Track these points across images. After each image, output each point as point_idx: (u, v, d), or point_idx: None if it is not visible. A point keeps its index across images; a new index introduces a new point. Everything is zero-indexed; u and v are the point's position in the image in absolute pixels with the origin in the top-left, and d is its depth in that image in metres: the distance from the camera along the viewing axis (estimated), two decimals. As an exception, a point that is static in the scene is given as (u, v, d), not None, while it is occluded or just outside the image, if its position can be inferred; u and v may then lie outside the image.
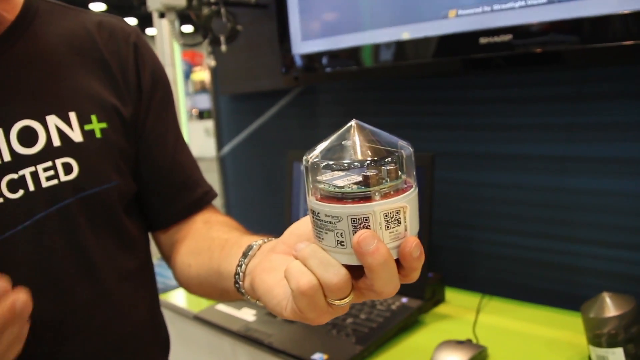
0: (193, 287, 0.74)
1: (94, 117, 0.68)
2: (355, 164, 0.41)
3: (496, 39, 0.99)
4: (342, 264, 0.42)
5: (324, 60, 1.28)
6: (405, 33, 1.12)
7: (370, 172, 0.40)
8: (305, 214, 1.32)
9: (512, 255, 1.11)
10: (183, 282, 0.76)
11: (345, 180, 0.41)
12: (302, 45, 1.32)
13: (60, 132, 0.66)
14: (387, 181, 0.41)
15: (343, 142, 0.43)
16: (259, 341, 0.96)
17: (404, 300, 1.03)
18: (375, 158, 0.41)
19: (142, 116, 0.74)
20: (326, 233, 0.42)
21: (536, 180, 1.07)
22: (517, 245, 1.10)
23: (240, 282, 0.58)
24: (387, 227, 0.41)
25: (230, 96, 1.71)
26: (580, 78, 1.00)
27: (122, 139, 0.71)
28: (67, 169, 0.65)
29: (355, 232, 0.40)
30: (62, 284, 0.66)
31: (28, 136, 0.64)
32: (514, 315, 1.02)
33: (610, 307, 0.79)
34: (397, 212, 0.41)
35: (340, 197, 0.40)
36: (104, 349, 0.70)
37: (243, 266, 0.58)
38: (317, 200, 0.42)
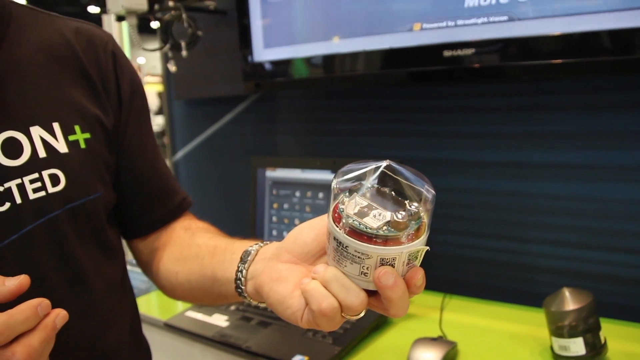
0: (180, 293, 0.74)
1: (77, 128, 0.67)
2: (390, 209, 0.44)
3: (459, 52, 1.05)
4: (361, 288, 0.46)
5: (287, 68, 1.30)
6: (368, 44, 1.16)
7: (401, 218, 0.43)
8: (270, 220, 1.32)
9: (472, 256, 1.18)
10: (168, 289, 0.76)
11: (374, 219, 0.44)
12: (264, 53, 1.33)
13: (45, 143, 0.64)
14: (413, 224, 0.44)
15: (374, 181, 0.45)
16: (236, 346, 0.97)
17: (373, 301, 1.07)
18: (407, 204, 0.44)
19: (123, 125, 0.74)
20: (351, 264, 0.45)
21: (493, 185, 1.14)
22: (476, 246, 1.17)
23: (242, 287, 0.59)
24: (407, 263, 0.45)
25: (185, 101, 1.70)
26: (534, 90, 1.08)
27: (104, 149, 0.71)
28: (54, 180, 0.64)
29: (377, 268, 0.44)
30: (52, 296, 0.64)
31: (12, 148, 0.62)
32: (476, 312, 1.09)
33: (570, 301, 0.87)
34: (418, 252, 0.45)
35: (370, 236, 0.43)
36: None
37: (244, 271, 0.59)
38: (346, 234, 0.44)
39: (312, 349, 0.93)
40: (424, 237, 0.45)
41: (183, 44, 1.33)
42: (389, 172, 0.45)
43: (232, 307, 1.11)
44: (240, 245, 0.63)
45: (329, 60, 1.22)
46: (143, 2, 1.23)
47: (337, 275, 0.46)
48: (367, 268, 0.44)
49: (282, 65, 1.30)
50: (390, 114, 1.28)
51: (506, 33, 0.99)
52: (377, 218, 0.44)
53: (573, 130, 1.05)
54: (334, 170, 1.18)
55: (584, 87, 1.03)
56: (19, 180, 0.61)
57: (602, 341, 0.85)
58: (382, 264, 0.44)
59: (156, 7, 1.27)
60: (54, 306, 0.64)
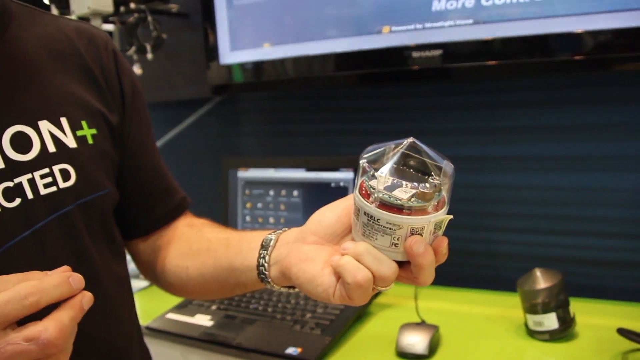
0: (190, 288, 0.75)
1: (84, 123, 0.67)
2: (415, 182, 0.47)
3: (427, 53, 1.11)
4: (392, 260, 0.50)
5: (255, 71, 1.32)
6: (338, 46, 1.21)
7: (428, 189, 0.47)
8: (244, 220, 1.34)
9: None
10: (177, 285, 0.76)
11: (402, 192, 0.47)
12: (231, 55, 1.35)
13: (55, 138, 0.64)
14: (437, 195, 0.48)
15: (398, 158, 0.49)
16: (225, 343, 0.98)
17: (353, 293, 1.11)
18: (434, 174, 0.48)
19: (127, 124, 0.74)
20: (382, 235, 0.48)
21: (459, 178, 1.19)
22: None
23: (266, 272, 0.61)
24: (433, 232, 0.49)
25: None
26: (496, 88, 1.16)
27: (110, 145, 0.71)
28: (65, 175, 0.64)
29: (408, 237, 0.48)
30: None
31: (22, 142, 0.61)
32: (449, 299, 1.15)
33: (541, 280, 0.94)
34: (442, 221, 0.49)
35: (400, 207, 0.47)
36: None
37: (266, 257, 0.61)
38: (377, 207, 0.47)
39: (303, 341, 0.95)
40: (445, 208, 0.49)
41: (148, 46, 1.32)
42: (412, 149, 0.49)
43: (214, 307, 1.12)
44: (255, 235, 0.65)
45: (299, 62, 1.25)
46: (109, 3, 1.22)
47: (369, 248, 0.49)
48: (397, 239, 0.48)
49: (250, 68, 1.32)
50: (357, 114, 1.33)
51: (471, 35, 1.07)
52: (405, 191, 0.47)
53: (532, 125, 1.14)
54: (308, 168, 1.21)
55: (541, 85, 1.12)
56: (29, 175, 0.61)
57: (572, 315, 0.93)
58: (412, 234, 0.47)
59: (122, 9, 1.26)
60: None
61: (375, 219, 0.48)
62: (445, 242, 0.50)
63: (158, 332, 1.07)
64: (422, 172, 0.49)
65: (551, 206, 1.14)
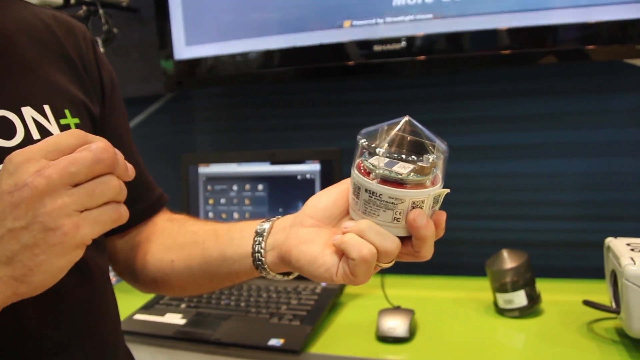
0: (174, 282, 0.73)
1: (67, 112, 0.64)
2: (413, 156, 0.49)
3: (388, 47, 1.14)
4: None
5: (212, 66, 1.30)
6: (298, 40, 1.21)
7: (427, 164, 0.49)
8: (207, 216, 1.32)
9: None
10: (160, 280, 0.74)
11: (401, 168, 0.49)
12: (186, 50, 1.32)
13: (38, 125, 0.61)
14: (434, 170, 0.50)
15: (396, 134, 0.50)
16: (203, 340, 0.96)
17: (324, 284, 1.12)
18: (430, 151, 0.50)
19: (107, 115, 0.72)
20: (385, 211, 0.49)
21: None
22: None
23: (262, 259, 0.61)
24: (432, 206, 0.51)
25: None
26: (452, 81, 1.21)
27: None
28: None
29: (409, 211, 0.49)
30: (59, 283, 0.61)
31: (5, 127, 0.58)
32: (416, 286, 1.18)
33: (509, 260, 0.99)
34: (439, 195, 0.51)
35: (401, 182, 0.48)
36: (98, 356, 0.66)
37: (262, 244, 0.61)
38: (378, 183, 0.49)
39: (284, 332, 0.95)
40: (441, 183, 0.51)
41: (99, 41, 1.27)
42: (407, 127, 0.51)
43: (183, 305, 1.09)
44: (244, 225, 0.65)
45: (259, 56, 1.25)
46: (58, -6, 1.17)
47: (371, 225, 0.50)
48: (399, 213, 0.49)
49: (207, 63, 1.30)
50: (316, 108, 1.35)
51: (431, 29, 1.11)
52: (404, 167, 0.49)
53: (487, 115, 1.20)
54: (273, 162, 1.21)
55: (495, 78, 1.18)
56: None
57: (538, 292, 0.99)
58: (413, 207, 0.49)
59: (72, 1, 1.21)
60: (60, 295, 0.61)
61: (377, 195, 0.49)
62: (444, 215, 0.52)
63: (128, 334, 1.02)
64: (418, 149, 0.50)
65: (504, 192, 1.20)
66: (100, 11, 1.24)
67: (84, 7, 1.26)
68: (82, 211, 0.45)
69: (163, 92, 1.47)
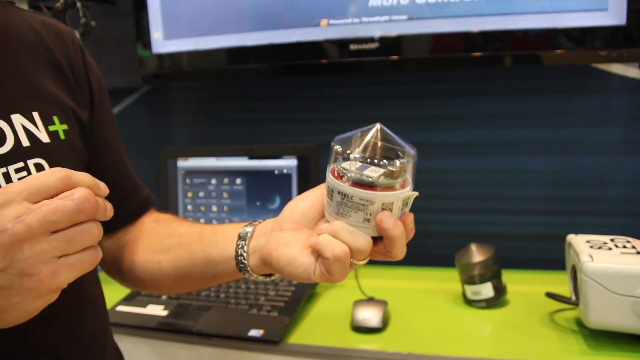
0: (162, 282, 0.75)
1: (56, 118, 0.66)
2: (383, 161, 0.53)
3: (364, 46, 1.17)
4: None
5: (190, 60, 1.32)
6: (275, 37, 1.24)
7: (396, 168, 0.53)
8: (185, 209, 1.35)
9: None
10: (147, 280, 0.76)
11: (372, 172, 0.53)
12: (164, 44, 1.33)
13: (28, 132, 0.62)
14: (403, 174, 0.54)
15: (368, 140, 0.54)
16: (185, 331, 0.99)
17: (301, 275, 1.16)
18: (399, 156, 0.54)
19: (95, 120, 0.73)
20: (355, 212, 0.53)
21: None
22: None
23: (245, 262, 0.64)
24: (402, 208, 0.54)
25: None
26: (426, 79, 1.25)
27: (80, 142, 0.70)
28: (40, 170, 0.62)
29: (379, 212, 0.53)
30: None
31: None
32: (388, 276, 1.23)
33: (477, 254, 1.04)
34: (409, 198, 0.54)
35: (371, 185, 0.52)
36: (87, 354, 0.68)
37: (245, 247, 0.64)
38: (350, 185, 0.52)
39: (263, 323, 0.98)
40: (410, 187, 0.54)
41: (77, 33, 1.27)
42: (378, 134, 0.54)
43: (165, 297, 1.12)
44: (228, 228, 0.68)
45: (236, 52, 1.27)
46: (35, -13, 1.16)
47: (344, 225, 0.54)
48: (370, 214, 0.53)
49: (186, 58, 1.31)
50: (293, 103, 1.38)
51: (406, 30, 1.15)
52: (374, 170, 0.53)
53: (458, 113, 1.24)
54: (251, 156, 1.24)
55: (467, 77, 1.23)
56: (4, 169, 0.59)
57: (504, 284, 1.04)
58: (383, 209, 0.53)
59: (49, -7, 1.21)
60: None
61: (349, 197, 0.53)
62: (411, 217, 0.55)
63: (111, 326, 1.04)
64: (388, 155, 0.54)
65: (476, 187, 1.26)
66: (78, 4, 1.24)
67: (62, 0, 1.25)
68: (60, 257, 0.45)
69: (140, 85, 1.48)
